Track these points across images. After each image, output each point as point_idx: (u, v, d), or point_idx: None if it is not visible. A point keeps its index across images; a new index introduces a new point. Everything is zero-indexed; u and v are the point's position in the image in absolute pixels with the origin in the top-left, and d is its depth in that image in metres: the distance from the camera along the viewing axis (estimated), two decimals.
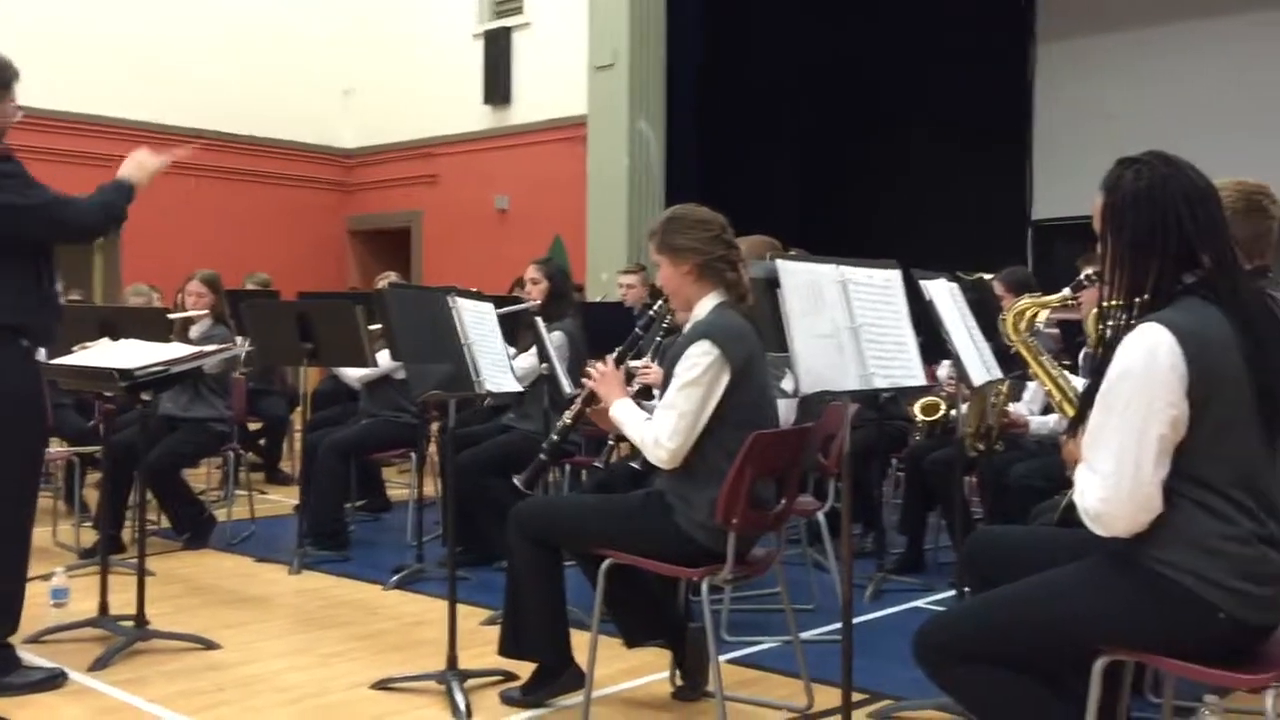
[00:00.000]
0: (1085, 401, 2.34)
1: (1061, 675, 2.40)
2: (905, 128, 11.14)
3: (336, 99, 13.28)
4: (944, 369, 5.23)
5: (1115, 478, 2.20)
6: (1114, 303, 2.35)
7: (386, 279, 7.05)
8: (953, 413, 4.63)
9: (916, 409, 5.61)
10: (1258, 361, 2.21)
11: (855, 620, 3.76)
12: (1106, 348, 2.32)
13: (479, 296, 4.03)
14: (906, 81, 11.15)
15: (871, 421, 5.36)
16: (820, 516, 4.58)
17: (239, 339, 6.20)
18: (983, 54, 10.75)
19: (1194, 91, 9.77)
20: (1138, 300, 2.30)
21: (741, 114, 11.50)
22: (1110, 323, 2.35)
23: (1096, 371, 2.33)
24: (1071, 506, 2.38)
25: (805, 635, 4.01)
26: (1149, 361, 2.18)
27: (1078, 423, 2.37)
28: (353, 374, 6.05)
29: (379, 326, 5.45)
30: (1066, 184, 10.15)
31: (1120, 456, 2.20)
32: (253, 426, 7.85)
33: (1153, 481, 2.19)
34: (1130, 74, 10.17)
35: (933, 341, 3.75)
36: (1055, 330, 5.29)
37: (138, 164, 3.85)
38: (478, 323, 3.81)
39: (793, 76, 12.13)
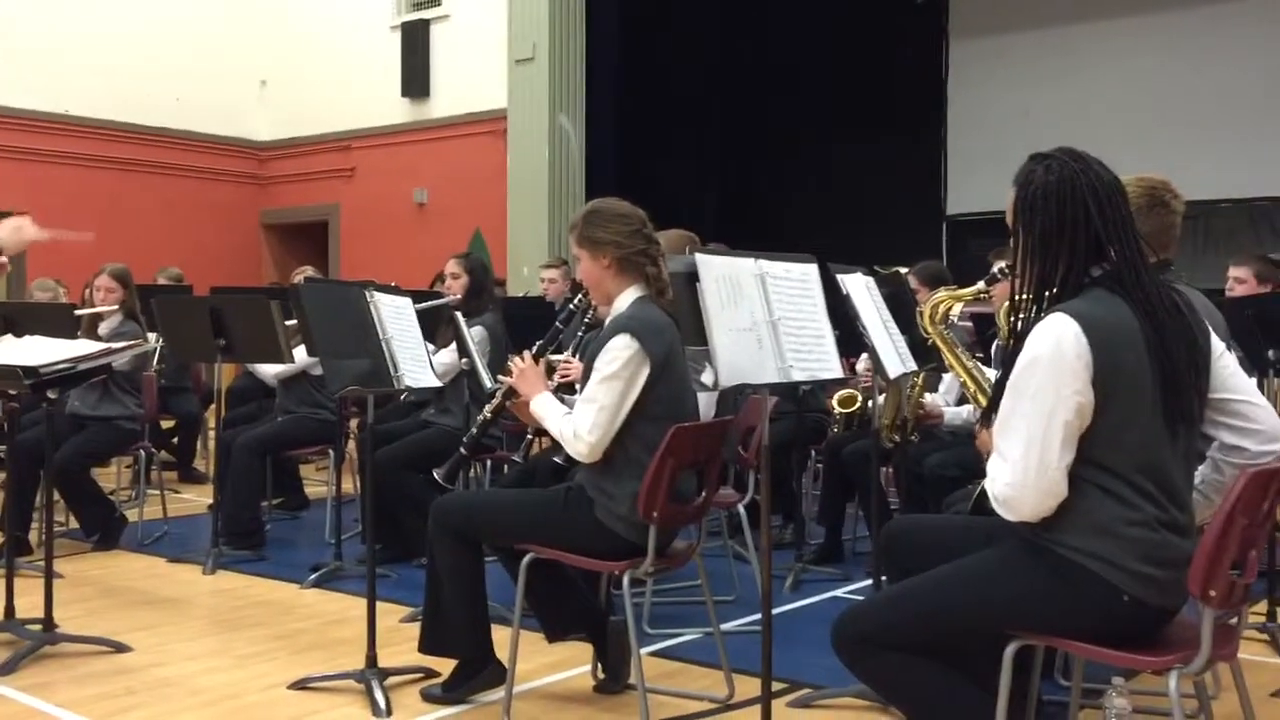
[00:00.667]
0: (997, 391, 2.40)
1: (975, 661, 2.45)
2: (823, 124, 11.25)
3: (251, 90, 13.04)
4: (862, 361, 5.30)
5: (1023, 463, 2.26)
6: (1025, 296, 2.41)
7: (303, 274, 6.94)
8: (869, 405, 4.69)
9: (834, 401, 5.68)
10: (1160, 351, 2.27)
11: (775, 611, 3.80)
12: (1017, 339, 2.37)
13: (397, 291, 3.98)
14: (824, 78, 11.27)
15: (790, 414, 5.42)
16: (740, 508, 4.62)
17: (150, 335, 6.06)
18: (898, 52, 10.91)
19: (1104, 89, 10.02)
20: (1047, 293, 2.36)
21: (662, 109, 11.53)
22: (1021, 315, 2.41)
23: (1007, 362, 2.38)
24: (984, 495, 2.43)
25: (726, 626, 4.03)
26: (1056, 350, 2.24)
27: (990, 412, 2.43)
28: (269, 370, 5.95)
29: (295, 322, 5.37)
30: (980, 180, 10.34)
31: (1028, 442, 2.25)
32: (165, 424, 7.68)
33: (1059, 467, 2.25)
34: (1042, 71, 10.40)
35: (850, 335, 3.80)
36: (969, 323, 5.39)
37: (15, 228, 3.73)
38: (396, 318, 3.77)
39: (712, 72, 12.20)
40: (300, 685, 3.61)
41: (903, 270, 5.17)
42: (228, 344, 5.19)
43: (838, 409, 5.69)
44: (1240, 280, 5.31)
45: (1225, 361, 2.45)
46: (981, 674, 2.40)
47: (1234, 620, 2.45)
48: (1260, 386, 4.14)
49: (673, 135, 11.73)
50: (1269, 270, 5.31)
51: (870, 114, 10.88)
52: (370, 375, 3.63)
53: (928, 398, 4.81)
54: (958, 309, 3.57)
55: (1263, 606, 4.18)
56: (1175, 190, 3.18)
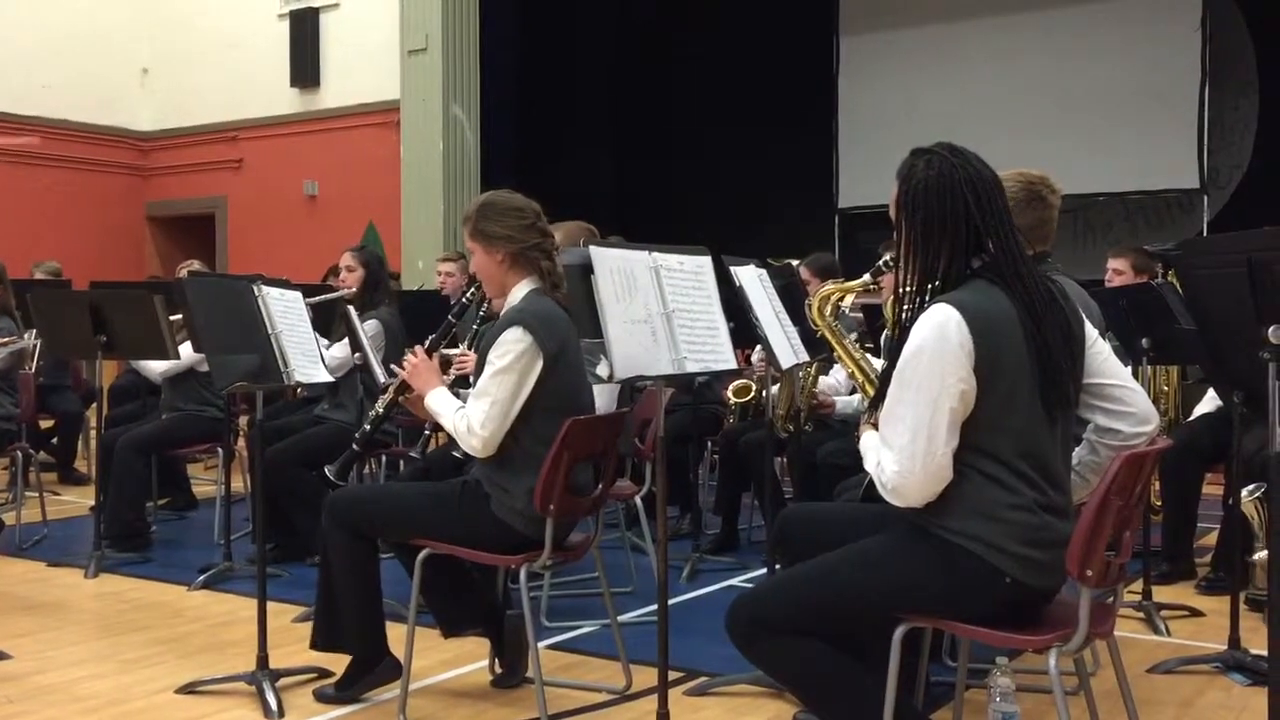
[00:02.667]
0: (883, 381, 2.45)
1: (865, 644, 2.50)
2: (719, 118, 11.34)
3: (132, 78, 12.62)
4: (756, 353, 5.37)
5: (909, 450, 2.31)
6: (909, 287, 2.46)
7: (188, 267, 6.76)
8: (764, 395, 4.75)
9: (729, 392, 5.74)
10: (1038, 339, 2.34)
11: (672, 601, 3.83)
12: (903, 330, 2.42)
13: (287, 285, 3.91)
14: (718, 72, 11.36)
15: (686, 406, 5.46)
16: (637, 500, 4.64)
17: (26, 332, 5.85)
18: (789, 46, 11.04)
19: (988, 85, 10.26)
20: (930, 284, 2.42)
21: (558, 100, 11.50)
22: (906, 306, 2.46)
23: (893, 352, 2.43)
24: (874, 482, 2.48)
25: (624, 617, 4.06)
26: (939, 339, 2.29)
27: (877, 401, 2.48)
28: (154, 367, 5.79)
29: (180, 317, 5.23)
30: (870, 174, 10.50)
31: (914, 430, 2.31)
32: (44, 424, 7.41)
33: (944, 453, 2.31)
34: (929, 67, 10.61)
35: (744, 326, 3.85)
36: (859, 314, 5.49)
37: None
38: (285, 312, 3.70)
39: (609, 64, 12.21)
40: (189, 689, 3.52)
41: (794, 262, 5.25)
42: (109, 340, 5.03)
43: (733, 400, 5.75)
44: (1119, 271, 5.50)
45: (1099, 348, 2.53)
46: (872, 656, 2.45)
47: (1110, 599, 2.55)
48: (1135, 373, 4.31)
49: (569, 127, 11.70)
50: (1145, 262, 5.50)
51: (764, 109, 11.00)
52: (259, 371, 3.56)
53: (820, 383, 4.90)
54: (849, 300, 3.64)
55: (1138, 585, 4.36)
56: (1053, 185, 3.29)
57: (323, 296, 5.04)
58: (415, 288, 8.99)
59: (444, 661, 3.75)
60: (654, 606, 3.27)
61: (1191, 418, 5.09)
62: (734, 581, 4.91)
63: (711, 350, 3.14)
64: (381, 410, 3.61)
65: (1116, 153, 9.76)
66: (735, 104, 11.22)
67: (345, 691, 3.40)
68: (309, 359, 3.72)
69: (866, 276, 3.25)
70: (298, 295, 3.85)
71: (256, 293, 3.63)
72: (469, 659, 3.76)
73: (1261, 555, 3.61)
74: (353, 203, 11.22)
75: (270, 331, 3.58)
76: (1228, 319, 2.69)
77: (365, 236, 10.55)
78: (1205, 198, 9.64)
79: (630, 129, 12.18)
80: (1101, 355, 2.53)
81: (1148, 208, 10.08)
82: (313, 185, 11.68)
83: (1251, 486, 3.96)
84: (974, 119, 9.69)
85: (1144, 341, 4.27)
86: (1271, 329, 2.48)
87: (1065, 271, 3.17)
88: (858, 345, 3.32)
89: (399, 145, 10.75)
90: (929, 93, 10.43)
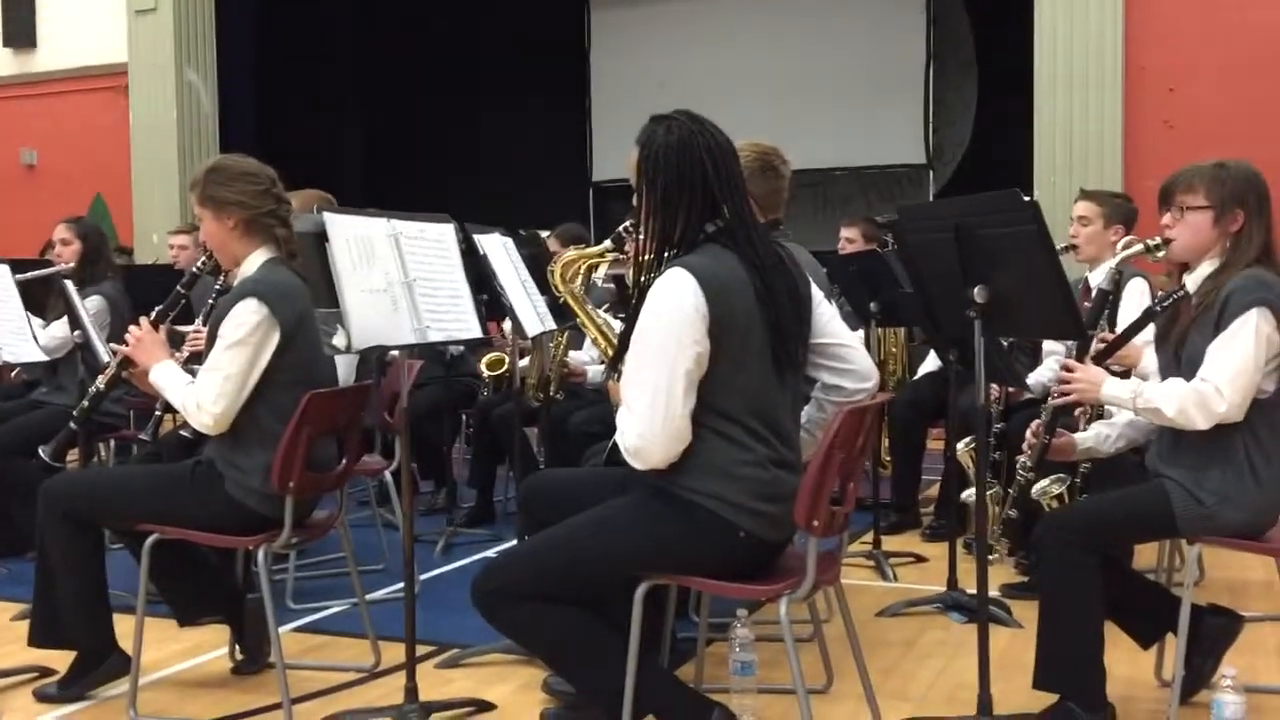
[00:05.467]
0: (622, 344, 2.49)
1: (611, 604, 2.54)
2: (472, 90, 11.22)
3: None
4: (509, 324, 5.34)
5: (649, 413, 2.36)
6: (649, 254, 2.51)
7: None
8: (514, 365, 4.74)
9: (483, 365, 5.71)
10: (768, 302, 2.43)
11: (426, 575, 3.79)
12: (641, 294, 2.46)
13: None
14: (471, 43, 11.23)
15: (439, 379, 5.39)
16: (388, 475, 4.55)
17: None
18: (541, 20, 11.03)
19: (735, 62, 10.55)
20: (668, 250, 2.47)
21: (301, 67, 11.08)
22: (645, 273, 2.50)
23: (630, 317, 2.47)
24: (617, 447, 2.52)
25: (376, 594, 3.98)
26: (675, 303, 2.35)
27: (614, 364, 2.51)
28: None
29: None
30: (623, 146, 10.45)
31: (653, 394, 2.35)
32: None
33: (682, 415, 2.36)
34: (678, 42, 10.84)
35: (497, 298, 3.83)
36: (611, 285, 5.55)
37: None
38: None
39: (353, 30, 11.85)
40: None
41: (544, 233, 5.26)
42: None
43: (486, 372, 5.72)
44: (850, 240, 5.80)
45: (823, 309, 2.66)
46: (616, 616, 2.49)
47: (836, 548, 2.68)
48: (866, 335, 4.55)
49: (314, 95, 11.31)
50: (874, 231, 5.82)
51: (516, 82, 10.95)
52: None
53: (572, 355, 4.93)
54: (603, 270, 3.66)
55: (870, 536, 4.62)
56: (784, 156, 3.42)
57: (36, 272, 4.66)
58: (149, 263, 8.50)
59: (180, 651, 3.57)
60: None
61: (916, 376, 5.42)
62: (489, 553, 4.87)
63: (455, 319, 3.11)
64: (102, 386, 3.38)
65: (852, 129, 10.28)
66: (487, 76, 11.13)
67: (69, 689, 3.18)
68: (19, 336, 3.46)
69: (608, 242, 3.28)
70: (5, 269, 3.57)
71: None
72: (208, 647, 3.59)
73: (968, 493, 3.89)
74: (77, 173, 10.49)
75: None
76: (939, 281, 2.87)
77: (92, 209, 9.90)
78: (930, 172, 10.29)
79: (379, 98, 11.88)
80: (826, 316, 2.65)
81: (880, 182, 10.66)
82: (31, 154, 10.86)
83: (967, 439, 4.26)
84: (722, 94, 9.90)
85: (873, 305, 4.51)
86: (976, 289, 2.67)
87: (802, 240, 3.30)
88: (600, 312, 3.35)
89: (128, 112, 10.11)
90: (678, 67, 10.65)
